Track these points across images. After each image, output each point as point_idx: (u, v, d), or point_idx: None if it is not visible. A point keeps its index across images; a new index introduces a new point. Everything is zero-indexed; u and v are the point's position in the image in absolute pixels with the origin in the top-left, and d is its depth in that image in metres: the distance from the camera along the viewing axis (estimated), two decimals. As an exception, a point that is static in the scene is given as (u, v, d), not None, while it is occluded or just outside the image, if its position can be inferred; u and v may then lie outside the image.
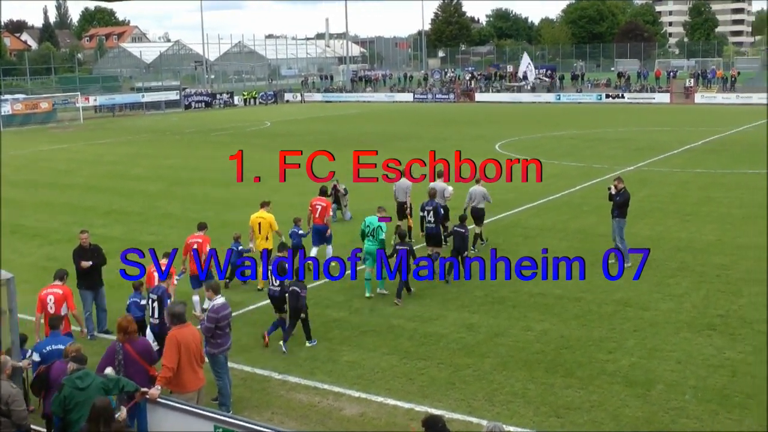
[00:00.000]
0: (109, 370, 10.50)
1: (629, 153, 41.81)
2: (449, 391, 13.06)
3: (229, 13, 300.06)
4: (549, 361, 14.15)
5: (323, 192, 22.35)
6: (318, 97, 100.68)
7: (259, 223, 19.05)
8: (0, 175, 37.54)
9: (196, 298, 17.08)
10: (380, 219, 18.41)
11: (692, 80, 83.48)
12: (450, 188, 22.39)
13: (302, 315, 15.01)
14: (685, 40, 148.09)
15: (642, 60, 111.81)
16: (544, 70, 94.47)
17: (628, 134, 51.96)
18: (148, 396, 10.21)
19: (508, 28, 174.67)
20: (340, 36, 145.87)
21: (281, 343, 14.99)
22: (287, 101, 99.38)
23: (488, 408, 12.45)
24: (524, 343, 15.06)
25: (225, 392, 12.50)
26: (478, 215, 21.83)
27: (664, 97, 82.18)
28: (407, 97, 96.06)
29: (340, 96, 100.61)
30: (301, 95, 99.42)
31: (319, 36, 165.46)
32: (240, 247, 19.31)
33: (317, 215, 20.67)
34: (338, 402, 12.82)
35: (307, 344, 15.23)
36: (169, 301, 13.79)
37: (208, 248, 17.24)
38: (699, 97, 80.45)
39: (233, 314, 13.45)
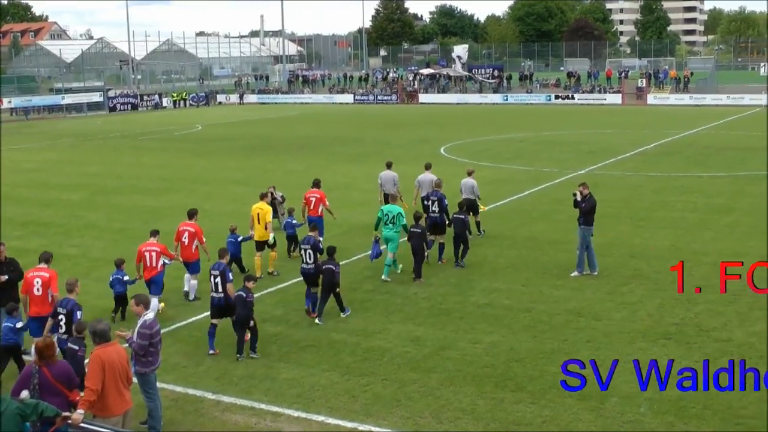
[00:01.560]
0: (24, 394, 10.27)
1: (580, 156, 42.40)
2: (394, 408, 13.06)
3: (157, 9, 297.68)
4: (498, 375, 14.23)
5: (316, 184, 23.54)
6: (253, 98, 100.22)
7: (258, 214, 20.84)
8: None
9: (190, 279, 18.91)
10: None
11: (644, 80, 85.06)
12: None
13: (337, 290, 17.20)
14: (637, 38, 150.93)
15: (592, 59, 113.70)
16: (491, 69, 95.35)
17: (579, 137, 52.70)
18: (69, 421, 10.00)
19: (452, 26, 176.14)
20: (276, 34, 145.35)
21: (317, 319, 17.14)
22: (220, 103, 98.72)
23: (435, 426, 12.48)
24: (472, 356, 15.14)
25: (155, 414, 12.32)
26: (469, 205, 23.28)
27: (615, 98, 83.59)
28: (347, 98, 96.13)
29: (277, 97, 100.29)
30: (240, 96, 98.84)
31: (254, 34, 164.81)
32: (240, 238, 20.51)
33: (312, 207, 22.51)
34: (277, 422, 12.74)
35: (342, 315, 17.41)
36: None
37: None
38: (651, 98, 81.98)
39: (162, 330, 13.28)
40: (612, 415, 12.62)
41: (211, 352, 15.65)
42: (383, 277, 20.22)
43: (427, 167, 24.88)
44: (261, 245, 20.96)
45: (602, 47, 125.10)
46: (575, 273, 20.28)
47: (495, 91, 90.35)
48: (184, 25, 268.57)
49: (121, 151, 49.94)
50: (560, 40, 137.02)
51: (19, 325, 14.35)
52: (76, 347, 12.38)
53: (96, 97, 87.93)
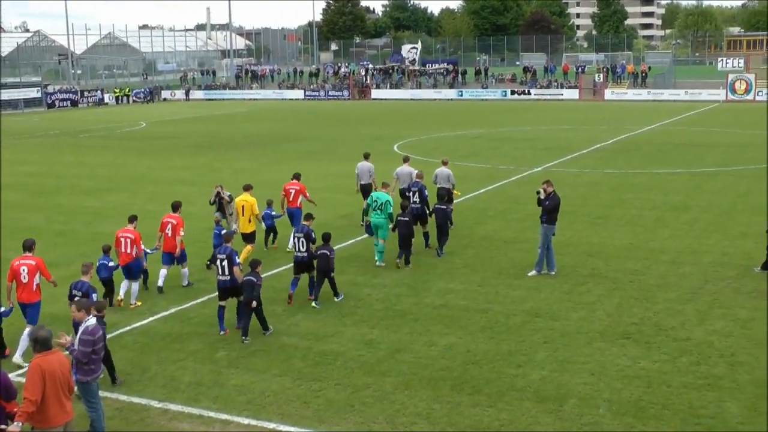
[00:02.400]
0: None
1: (537, 153, 42.75)
2: (348, 414, 13.06)
3: (98, 1, 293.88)
4: (455, 378, 14.30)
5: (296, 176, 24.25)
6: (199, 94, 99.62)
7: (243, 206, 21.63)
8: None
9: (164, 271, 19.74)
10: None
11: (601, 75, 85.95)
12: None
13: (331, 274, 18.39)
14: (594, 33, 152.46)
15: (549, 54, 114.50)
16: (445, 64, 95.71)
17: (535, 133, 53.13)
18: (6, 433, 9.86)
19: (405, 19, 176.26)
20: (223, 27, 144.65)
21: (313, 303, 18.27)
22: (165, 99, 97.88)
23: (390, 431, 12.50)
24: (428, 359, 15.18)
25: (98, 425, 12.18)
26: (442, 195, 24.08)
27: (572, 93, 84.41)
28: (297, 94, 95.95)
29: (224, 93, 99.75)
30: (186, 92, 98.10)
31: (200, 27, 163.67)
32: (224, 231, 20.30)
33: (291, 198, 23.39)
34: (226, 430, 12.66)
35: (336, 299, 18.51)
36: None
37: (181, 231, 19.78)
38: (609, 94, 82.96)
39: (106, 337, 13.13)
40: (571, 418, 12.74)
41: (221, 332, 16.69)
42: (377, 262, 21.59)
43: (405, 160, 26.42)
44: (246, 238, 21.79)
45: (559, 41, 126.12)
46: (533, 272, 20.44)
47: (450, 87, 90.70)
48: (126, 18, 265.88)
49: (61, 150, 49.31)
50: (516, 33, 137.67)
51: (2, 310, 15.50)
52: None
53: (33, 93, 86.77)
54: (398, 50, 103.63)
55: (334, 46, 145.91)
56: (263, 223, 23.06)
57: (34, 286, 15.64)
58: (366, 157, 27.03)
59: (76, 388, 11.61)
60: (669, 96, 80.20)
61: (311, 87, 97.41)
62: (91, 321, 12.06)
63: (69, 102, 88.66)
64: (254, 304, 16.30)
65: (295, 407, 13.34)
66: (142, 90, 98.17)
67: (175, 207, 20.37)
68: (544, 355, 15.17)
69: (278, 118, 70.61)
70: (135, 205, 30.17)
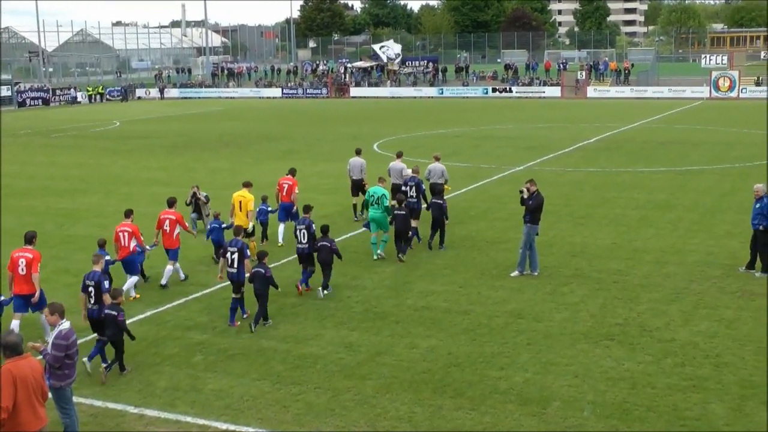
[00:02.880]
0: None
1: (518, 152, 42.86)
2: (328, 418, 13.05)
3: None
4: (436, 381, 14.31)
5: (292, 172, 25.01)
6: (174, 92, 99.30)
7: (240, 201, 22.30)
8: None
9: (169, 267, 20.26)
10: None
11: (584, 73, 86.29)
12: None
13: (332, 266, 19.18)
14: (576, 29, 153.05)
15: (530, 51, 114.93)
16: (425, 61, 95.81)
17: (517, 131, 53.27)
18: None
19: (385, 16, 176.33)
20: (198, 24, 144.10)
21: (320, 290, 19.05)
22: (139, 98, 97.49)
23: (371, 435, 12.50)
24: (409, 362, 15.19)
25: (72, 431, 12.12)
26: (437, 191, 24.25)
27: (554, 91, 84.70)
28: (275, 92, 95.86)
29: (200, 91, 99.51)
30: (161, 91, 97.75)
31: (175, 24, 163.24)
32: (223, 225, 21.93)
33: (284, 193, 24.21)
34: (203, 436, 12.63)
35: (325, 291, 19.10)
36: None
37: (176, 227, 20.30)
38: (591, 91, 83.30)
39: (79, 341, 13.06)
40: (554, 420, 12.78)
41: (230, 324, 17.37)
42: (379, 251, 22.37)
43: (398, 155, 26.99)
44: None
45: (540, 38, 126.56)
46: (515, 273, 20.48)
47: (430, 85, 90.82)
48: (99, 15, 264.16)
49: (32, 150, 49.01)
50: (497, 30, 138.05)
51: (1, 299, 16.27)
52: (115, 313, 14.65)
53: (3, 92, 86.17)
54: (375, 53, 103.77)
55: (312, 44, 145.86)
56: (257, 220, 23.58)
57: (32, 278, 16.31)
58: (358, 152, 27.86)
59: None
60: (652, 93, 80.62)
61: (289, 85, 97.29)
62: (65, 325, 11.99)
63: (40, 101, 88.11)
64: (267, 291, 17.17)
65: (274, 411, 13.31)
66: (116, 88, 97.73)
67: (171, 203, 20.94)
68: (527, 357, 15.21)
69: (255, 117, 70.45)
70: (109, 206, 30.06)
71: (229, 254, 17.54)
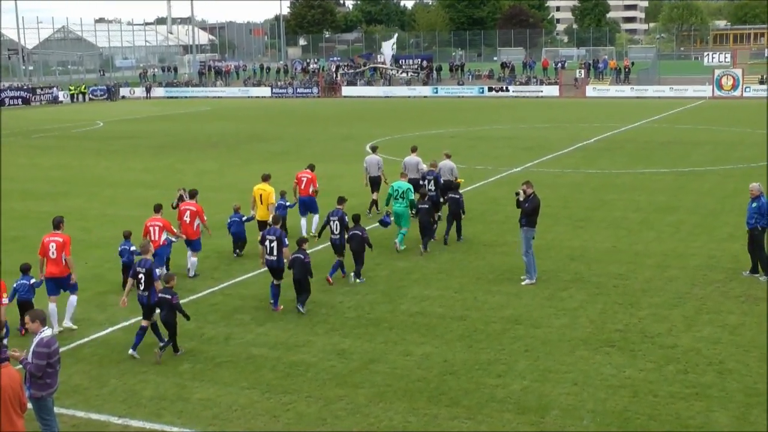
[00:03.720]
0: None
1: (515, 152, 42.91)
2: (319, 428, 13.03)
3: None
4: (432, 389, 14.30)
5: (311, 167, 25.96)
6: (160, 92, 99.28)
7: (261, 195, 23.27)
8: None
9: (194, 259, 21.34)
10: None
11: (583, 71, 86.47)
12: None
13: (363, 255, 20.57)
14: (574, 26, 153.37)
15: (528, 49, 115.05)
16: (420, 60, 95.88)
17: (514, 132, 53.32)
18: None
19: (377, 13, 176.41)
20: (184, 21, 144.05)
21: (352, 275, 20.47)
22: (123, 97, 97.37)
23: (364, 445, 12.49)
24: (403, 369, 15.18)
25: (53, 442, 12.09)
26: (450, 186, 25.45)
27: (552, 90, 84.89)
28: (264, 91, 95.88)
29: (186, 91, 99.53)
30: (146, 90, 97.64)
31: (160, 21, 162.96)
32: (244, 218, 23.31)
33: (303, 187, 25.12)
34: (190, 447, 12.60)
35: (357, 281, 20.49)
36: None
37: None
38: (590, 90, 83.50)
39: (61, 349, 13.05)
40: (553, 429, 12.77)
41: (274, 309, 18.58)
42: (398, 244, 23.40)
43: (413, 150, 28.09)
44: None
45: (538, 36, 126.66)
46: (527, 281, 20.24)
47: (424, 84, 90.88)
48: (81, 11, 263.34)
49: (12, 151, 48.89)
50: (493, 28, 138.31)
51: (33, 281, 17.44)
52: (169, 296, 15.88)
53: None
54: (367, 54, 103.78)
55: (302, 41, 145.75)
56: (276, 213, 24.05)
57: (63, 261, 17.66)
58: (373, 150, 29.32)
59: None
60: (653, 92, 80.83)
61: (279, 84, 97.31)
62: (46, 332, 11.93)
63: (20, 100, 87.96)
64: (309, 277, 18.36)
65: (263, 421, 13.29)
66: (100, 87, 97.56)
67: (192, 194, 22.22)
68: (524, 365, 15.21)
69: (244, 116, 70.40)
70: (92, 209, 30.03)
71: (267, 242, 18.63)
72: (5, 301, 16.14)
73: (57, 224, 18.20)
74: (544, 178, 34.16)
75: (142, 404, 14.05)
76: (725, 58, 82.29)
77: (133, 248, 19.89)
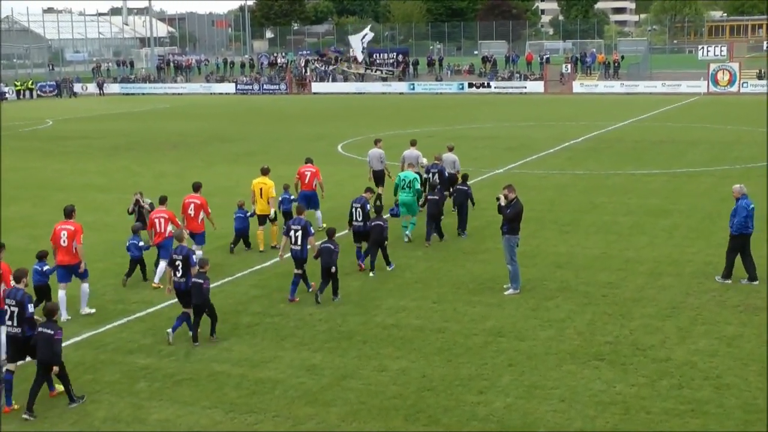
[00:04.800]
0: None
1: (498, 153, 43.01)
2: (287, 450, 12.98)
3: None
4: (409, 406, 14.29)
5: (310, 160, 27.23)
6: (115, 88, 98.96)
7: (261, 189, 24.48)
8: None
9: (199, 253, 21.17)
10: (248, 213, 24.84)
11: (569, 66, 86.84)
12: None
13: (385, 243, 22.02)
14: (560, 18, 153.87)
15: (510, 42, 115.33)
16: (395, 54, 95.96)
17: (496, 130, 53.44)
18: None
19: (349, 4, 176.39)
20: (141, 12, 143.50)
21: (370, 273, 21.84)
22: (75, 94, 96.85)
23: (336, 468, 12.45)
24: (378, 386, 15.17)
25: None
26: (465, 177, 26.93)
27: (537, 86, 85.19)
28: (228, 87, 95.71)
29: (144, 87, 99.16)
30: (100, 86, 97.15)
31: (115, 12, 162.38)
32: (248, 213, 24.60)
33: (306, 181, 26.36)
34: (147, 472, 12.53)
35: (388, 268, 22.25)
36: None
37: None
38: (577, 86, 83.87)
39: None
40: (539, 450, 12.79)
41: (290, 299, 19.90)
42: (407, 233, 25.17)
43: (413, 143, 29.39)
44: (263, 219, 24.70)
45: (521, 28, 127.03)
46: (511, 291, 20.29)
47: (400, 79, 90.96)
48: (27, 1, 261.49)
49: (-46, 153, 48.48)
50: (474, 19, 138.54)
51: (46, 268, 18.67)
52: (201, 281, 17.27)
53: None
54: (338, 49, 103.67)
55: (269, 34, 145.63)
56: (280, 208, 25.46)
57: (74, 249, 19.10)
58: (376, 143, 30.23)
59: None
60: (644, 88, 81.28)
61: (244, 80, 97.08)
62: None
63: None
64: (333, 269, 19.67)
65: (227, 444, 13.23)
66: (49, 83, 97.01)
67: (197, 188, 23.22)
68: (508, 380, 15.22)
69: (206, 115, 70.22)
70: (42, 215, 29.79)
71: (292, 232, 20.06)
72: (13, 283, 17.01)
73: (69, 213, 19.70)
74: (529, 180, 34.25)
75: (94, 426, 13.95)
76: (721, 51, 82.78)
77: (141, 243, 21.67)
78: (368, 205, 22.62)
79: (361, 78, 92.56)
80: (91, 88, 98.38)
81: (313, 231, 20.29)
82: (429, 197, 25.31)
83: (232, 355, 16.84)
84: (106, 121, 66.17)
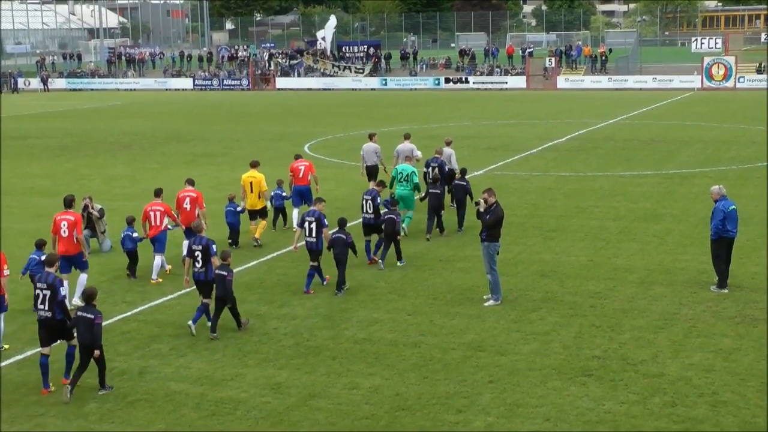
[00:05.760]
0: None
1: (477, 153, 43.07)
2: (251, 475, 12.96)
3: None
4: (382, 427, 14.29)
5: (298, 156, 28.59)
6: (61, 83, 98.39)
7: (251, 183, 25.69)
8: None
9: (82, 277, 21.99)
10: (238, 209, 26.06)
11: (553, 59, 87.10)
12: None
13: (398, 237, 23.61)
14: (544, 8, 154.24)
15: (490, 34, 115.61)
16: (365, 47, 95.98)
17: (474, 129, 53.55)
18: None
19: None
20: (89, 0, 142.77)
21: (380, 264, 23.39)
22: (16, 89, 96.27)
23: (304, 495, 12.44)
24: (349, 405, 15.16)
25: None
26: (463, 171, 28.47)
27: (519, 81, 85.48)
28: (185, 83, 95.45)
29: (93, 82, 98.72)
30: (44, 81, 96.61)
31: (60, 0, 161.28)
32: (238, 208, 25.70)
33: (300, 176, 27.37)
34: (98, 500, 12.46)
35: (399, 264, 23.51)
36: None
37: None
38: (562, 81, 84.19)
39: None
40: (522, 473, 12.82)
41: (306, 292, 21.29)
42: (404, 226, 25.97)
43: (406, 137, 30.69)
44: (254, 215, 25.92)
45: (502, 19, 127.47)
46: (491, 302, 20.31)
47: (371, 74, 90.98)
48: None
49: None
50: (450, 10, 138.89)
51: (43, 257, 19.09)
52: (225, 273, 18.46)
53: None
54: (312, 41, 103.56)
55: (229, 25, 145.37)
56: (273, 203, 27.30)
57: (75, 240, 20.54)
58: (370, 137, 31.61)
59: None
60: (634, 83, 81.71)
61: (202, 75, 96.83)
62: None
63: None
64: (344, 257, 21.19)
65: (185, 469, 13.19)
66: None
67: (191, 182, 24.53)
68: (489, 398, 15.24)
69: (161, 113, 69.99)
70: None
71: (306, 224, 21.37)
72: (6, 272, 18.14)
73: (69, 203, 21.08)
74: (510, 183, 34.35)
75: (40, 451, 13.86)
76: (716, 43, 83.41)
77: (135, 235, 23.05)
78: (379, 199, 23.98)
79: (326, 72, 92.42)
80: (35, 83, 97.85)
81: (326, 222, 21.53)
82: (431, 190, 26.56)
83: (191, 373, 16.78)
84: (51, 120, 65.78)
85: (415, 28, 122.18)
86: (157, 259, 22.79)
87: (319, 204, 22.02)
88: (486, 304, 20.26)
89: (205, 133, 55.03)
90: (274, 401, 15.43)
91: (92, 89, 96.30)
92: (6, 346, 18.39)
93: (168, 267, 23.24)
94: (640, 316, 19.26)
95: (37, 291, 16.28)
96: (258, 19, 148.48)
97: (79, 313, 15.81)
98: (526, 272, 22.80)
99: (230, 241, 25.63)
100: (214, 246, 19.06)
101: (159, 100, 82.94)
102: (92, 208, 25.30)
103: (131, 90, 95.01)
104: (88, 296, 16.09)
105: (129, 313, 20.18)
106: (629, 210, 29.73)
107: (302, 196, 27.36)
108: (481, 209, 20.25)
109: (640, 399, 15.04)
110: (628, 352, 17.23)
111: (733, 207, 20.89)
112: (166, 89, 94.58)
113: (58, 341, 16.27)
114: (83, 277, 20.78)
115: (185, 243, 22.39)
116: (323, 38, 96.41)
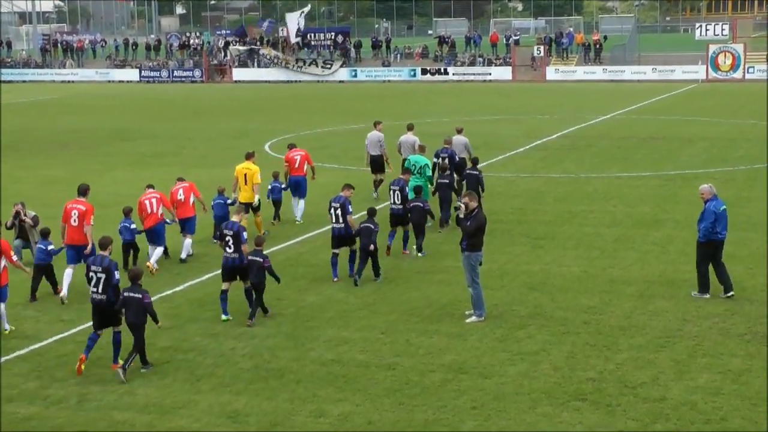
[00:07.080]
0: None
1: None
2: None
3: None
4: (352, 460, 14.27)
5: (293, 145, 30.66)
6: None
7: (245, 175, 26.87)
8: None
9: (188, 241, 25.42)
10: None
11: (542, 48, 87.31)
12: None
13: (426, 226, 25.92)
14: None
15: (471, 20, 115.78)
16: (332, 34, 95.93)
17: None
18: None
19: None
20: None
21: (414, 249, 25.56)
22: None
23: None
24: (315, 435, 15.12)
25: None
26: (460, 165, 30.50)
27: (504, 72, 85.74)
28: (131, 74, 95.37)
29: (25, 73, 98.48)
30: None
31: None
32: (228, 201, 26.92)
33: (297, 166, 29.20)
34: None
35: (419, 254, 25.44)
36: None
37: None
38: (552, 72, 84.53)
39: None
40: None
41: (334, 279, 23.26)
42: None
43: (409, 128, 32.83)
44: (247, 208, 25.59)
45: (485, 3, 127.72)
46: (473, 318, 20.31)
47: (341, 65, 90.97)
48: None
49: None
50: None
51: (51, 247, 22.12)
52: (260, 259, 20.28)
53: None
54: (266, 21, 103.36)
55: (180, 10, 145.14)
56: (270, 197, 28.91)
57: (84, 230, 22.01)
58: (376, 125, 33.58)
59: None
60: (631, 74, 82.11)
61: (149, 65, 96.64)
62: None
63: None
64: (372, 248, 22.81)
65: (130, 508, 13.13)
66: None
67: (181, 179, 26.02)
68: (471, 426, 15.24)
69: (104, 107, 69.80)
70: None
71: (333, 210, 23.26)
72: (14, 258, 20.21)
73: (84, 191, 22.55)
74: (495, 185, 34.37)
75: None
76: (722, 30, 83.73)
77: (133, 226, 24.41)
78: (406, 189, 25.73)
79: (289, 67, 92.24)
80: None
81: (351, 209, 23.33)
82: (439, 181, 28.24)
83: (137, 400, 16.69)
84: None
85: (388, 14, 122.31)
86: (158, 250, 24.54)
87: (347, 190, 23.65)
88: (468, 320, 20.28)
89: (154, 130, 54.91)
90: (230, 431, 15.37)
91: (24, 81, 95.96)
92: (11, 328, 20.27)
93: (155, 267, 24.27)
94: (639, 333, 19.29)
95: (91, 274, 17.90)
96: (212, 3, 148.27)
97: (126, 294, 17.60)
98: (512, 285, 22.81)
99: (215, 237, 26.02)
100: (245, 234, 20.64)
101: (101, 93, 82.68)
102: (25, 215, 25.13)
103: (69, 82, 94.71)
104: (134, 276, 17.78)
105: (65, 334, 20.03)
106: (626, 215, 29.82)
107: (297, 186, 29.13)
108: (461, 215, 20.21)
109: (640, 426, 15.07)
110: (626, 373, 17.26)
111: (724, 207, 21.14)
112: (109, 81, 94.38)
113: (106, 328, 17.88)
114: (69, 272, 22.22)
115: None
116: (290, 26, 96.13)
